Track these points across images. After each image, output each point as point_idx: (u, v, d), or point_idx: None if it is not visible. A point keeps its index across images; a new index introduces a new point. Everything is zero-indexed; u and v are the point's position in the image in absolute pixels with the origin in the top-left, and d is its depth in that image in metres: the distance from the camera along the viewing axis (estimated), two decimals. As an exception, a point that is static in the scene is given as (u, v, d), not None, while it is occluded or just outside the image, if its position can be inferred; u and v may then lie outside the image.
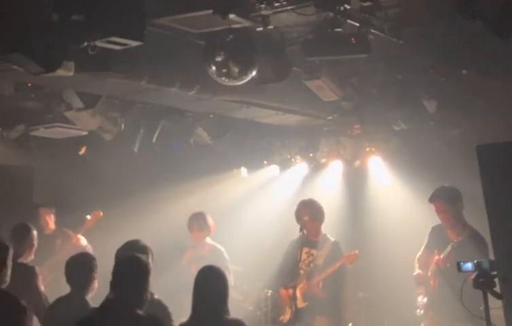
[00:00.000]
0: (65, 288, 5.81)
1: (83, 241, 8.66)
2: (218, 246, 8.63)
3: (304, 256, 7.64)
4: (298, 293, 7.50)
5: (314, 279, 7.54)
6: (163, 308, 5.22)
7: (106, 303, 4.67)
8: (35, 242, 6.69)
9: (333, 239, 7.76)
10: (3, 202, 9.13)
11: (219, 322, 4.82)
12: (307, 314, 7.48)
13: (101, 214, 8.85)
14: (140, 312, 4.52)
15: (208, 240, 8.67)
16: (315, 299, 7.50)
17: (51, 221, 8.91)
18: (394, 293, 8.95)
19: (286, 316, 7.45)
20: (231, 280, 7.89)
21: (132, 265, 4.72)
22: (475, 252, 6.40)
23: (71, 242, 8.54)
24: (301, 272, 7.59)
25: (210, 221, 8.71)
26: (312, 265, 7.61)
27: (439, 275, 6.99)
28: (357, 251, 7.52)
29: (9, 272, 5.27)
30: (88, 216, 8.82)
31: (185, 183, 10.20)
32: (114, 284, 4.64)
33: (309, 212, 7.62)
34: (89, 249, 8.44)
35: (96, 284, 5.72)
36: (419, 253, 7.38)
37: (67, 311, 5.48)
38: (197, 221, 8.63)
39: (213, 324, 4.84)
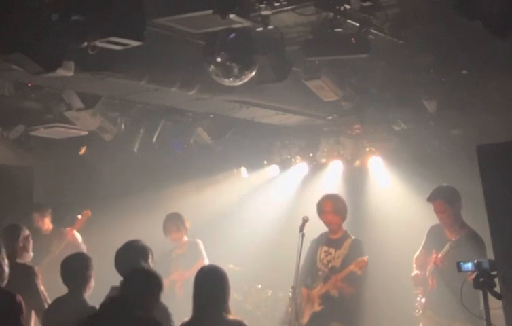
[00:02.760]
0: (64, 287, 5.81)
1: (78, 237, 8.71)
2: (195, 240, 8.71)
3: (323, 255, 7.49)
4: (314, 297, 7.39)
5: (330, 281, 7.34)
6: (163, 309, 5.22)
7: (107, 304, 4.67)
8: (29, 240, 6.69)
9: (353, 237, 7.56)
10: (3, 202, 9.13)
11: (220, 322, 4.82)
12: (323, 318, 7.31)
13: (90, 213, 8.88)
14: (140, 313, 4.52)
15: (185, 238, 8.73)
16: (331, 303, 7.33)
17: (45, 223, 8.91)
18: (393, 293, 8.95)
19: (304, 319, 7.35)
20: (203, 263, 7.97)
21: (146, 280, 4.74)
22: (473, 251, 6.42)
23: (66, 239, 8.57)
24: (320, 273, 7.45)
25: (185, 219, 8.76)
26: (330, 265, 7.42)
27: (436, 274, 7.00)
28: (366, 257, 7.29)
29: (5, 271, 5.25)
30: (79, 216, 8.84)
31: (185, 183, 10.21)
32: (123, 293, 4.66)
33: (329, 206, 7.52)
34: (83, 246, 8.49)
35: (92, 282, 5.72)
36: (417, 253, 7.39)
37: (66, 311, 5.49)
38: (174, 222, 8.67)
39: (214, 323, 4.85)
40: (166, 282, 7.44)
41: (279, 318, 8.52)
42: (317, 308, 7.36)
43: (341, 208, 7.58)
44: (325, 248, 7.52)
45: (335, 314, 7.31)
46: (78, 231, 8.80)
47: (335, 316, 7.31)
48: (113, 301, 4.66)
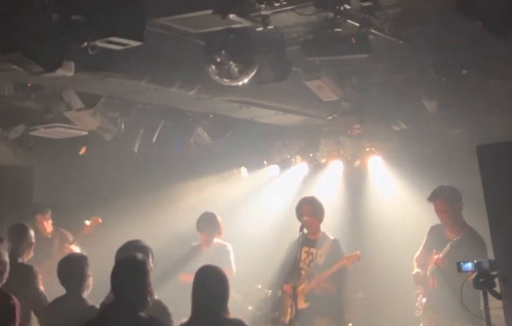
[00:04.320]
0: (63, 290, 5.80)
1: (76, 251, 8.62)
2: (224, 242, 8.64)
3: (304, 255, 7.64)
4: (299, 294, 7.49)
5: (315, 279, 7.52)
6: (163, 309, 5.22)
7: (108, 306, 4.67)
8: (33, 241, 6.70)
9: (332, 237, 7.74)
10: (3, 202, 9.12)
11: (219, 322, 4.82)
12: (308, 314, 7.47)
13: (100, 220, 8.85)
14: (142, 314, 4.52)
15: (215, 239, 8.66)
16: (316, 300, 7.48)
17: (48, 224, 8.91)
18: (393, 293, 8.95)
19: (287, 317, 7.44)
20: (231, 273, 7.99)
21: (130, 265, 4.72)
22: (473, 251, 6.41)
23: (65, 250, 8.52)
24: (303, 272, 7.59)
25: (221, 223, 8.67)
26: (312, 264, 7.60)
27: (437, 274, 7.00)
28: (358, 252, 7.49)
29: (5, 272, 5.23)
30: (87, 222, 8.81)
31: (185, 183, 10.21)
32: (114, 286, 4.65)
33: (308, 210, 7.63)
34: None
35: (90, 281, 5.72)
36: (418, 253, 7.39)
37: (65, 311, 5.50)
38: (210, 224, 8.59)
39: (213, 324, 4.84)
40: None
41: (274, 319, 8.55)
42: (303, 304, 7.50)
43: (319, 210, 7.75)
44: (306, 248, 7.67)
45: (321, 309, 7.47)
46: (86, 236, 8.77)
47: (320, 311, 7.47)
48: (114, 303, 4.64)
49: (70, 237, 8.83)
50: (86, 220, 8.84)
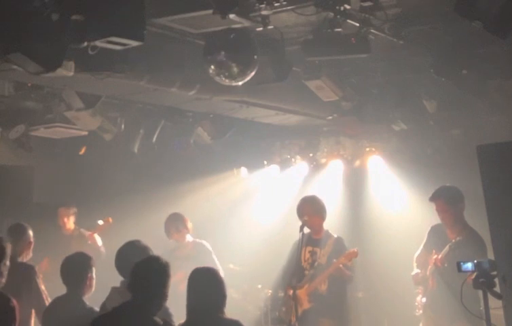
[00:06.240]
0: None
1: (98, 241, 8.74)
2: (200, 240, 8.59)
3: (307, 255, 7.61)
4: (303, 294, 7.47)
5: (317, 279, 7.49)
6: (164, 310, 5.21)
7: (121, 305, 4.65)
8: (32, 241, 6.70)
9: (335, 235, 7.70)
10: (3, 202, 9.12)
11: (216, 323, 4.81)
12: (312, 315, 7.43)
13: (111, 220, 8.89)
14: (157, 318, 4.52)
15: (189, 237, 8.60)
16: (320, 300, 7.45)
17: (69, 222, 8.93)
18: (393, 293, 8.96)
19: (289, 318, 7.42)
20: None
21: (155, 266, 4.72)
22: (473, 252, 6.39)
23: (87, 243, 8.55)
24: (306, 272, 7.57)
25: (186, 219, 8.63)
26: (316, 264, 7.56)
27: (437, 275, 6.99)
28: (356, 249, 7.46)
29: (4, 274, 5.22)
30: (100, 222, 8.85)
31: (185, 183, 10.21)
32: (134, 285, 4.63)
33: (309, 209, 7.61)
34: (103, 251, 8.51)
35: (93, 283, 5.68)
36: (418, 252, 7.38)
37: (64, 311, 5.49)
38: (174, 223, 8.55)
39: (210, 325, 4.83)
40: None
41: (274, 319, 8.56)
42: (306, 305, 7.47)
43: (320, 209, 7.71)
44: (309, 248, 7.64)
45: (324, 311, 7.44)
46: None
47: (324, 313, 7.43)
48: (129, 302, 4.63)
49: (87, 235, 8.85)
50: (99, 220, 8.88)
